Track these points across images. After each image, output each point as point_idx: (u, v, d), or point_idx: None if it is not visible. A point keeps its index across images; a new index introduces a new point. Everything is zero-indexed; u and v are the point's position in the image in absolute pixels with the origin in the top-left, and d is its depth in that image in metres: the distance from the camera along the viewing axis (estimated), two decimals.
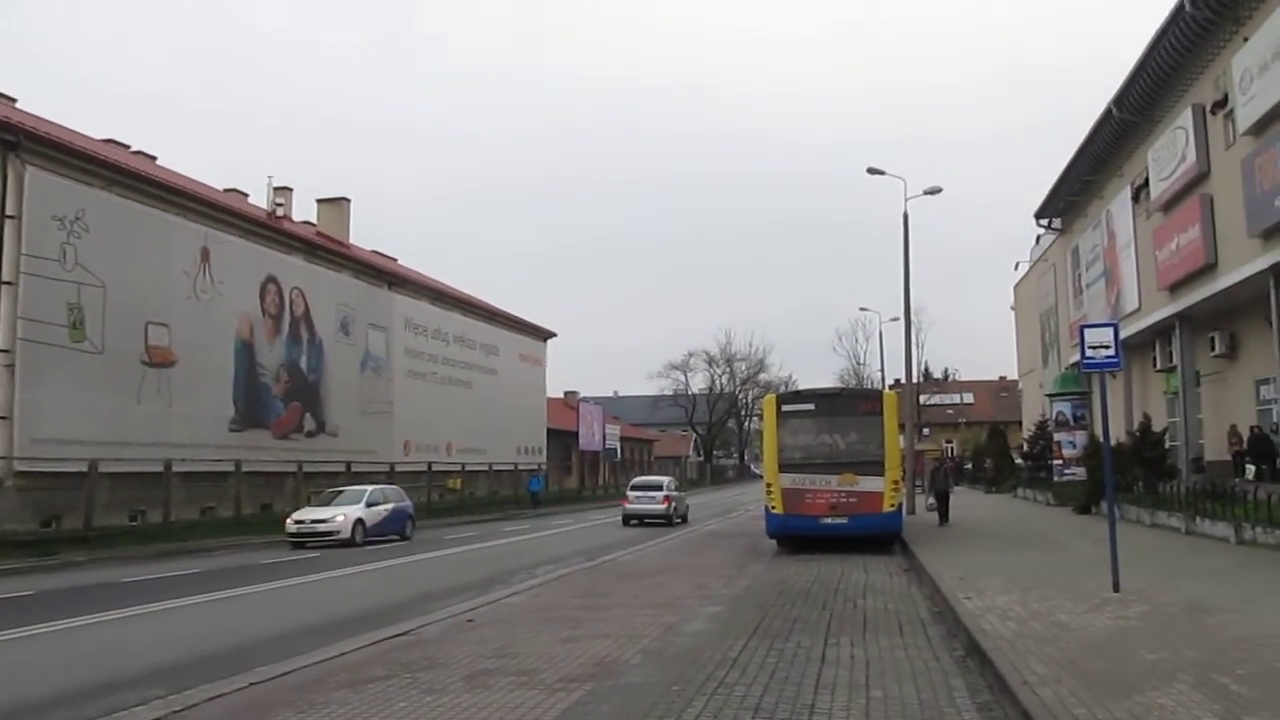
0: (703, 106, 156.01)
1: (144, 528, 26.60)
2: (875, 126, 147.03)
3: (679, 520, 34.38)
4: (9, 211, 24.33)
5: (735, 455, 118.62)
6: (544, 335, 63.04)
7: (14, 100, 28.86)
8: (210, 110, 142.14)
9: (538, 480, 50.70)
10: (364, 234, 65.65)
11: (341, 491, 27.78)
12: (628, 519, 33.97)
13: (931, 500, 27.26)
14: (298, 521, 25.81)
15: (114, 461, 26.09)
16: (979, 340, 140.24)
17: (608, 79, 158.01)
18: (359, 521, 25.82)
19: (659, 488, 35.52)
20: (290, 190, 39.89)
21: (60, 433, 25.10)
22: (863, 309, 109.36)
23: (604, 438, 73.58)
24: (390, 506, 27.86)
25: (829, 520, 19.45)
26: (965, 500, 37.41)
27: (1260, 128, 20.87)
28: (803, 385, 64.30)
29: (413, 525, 28.82)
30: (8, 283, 24.19)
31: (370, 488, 28.27)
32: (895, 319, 42.13)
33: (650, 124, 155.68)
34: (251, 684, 8.39)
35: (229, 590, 16.24)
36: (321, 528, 25.30)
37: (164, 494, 27.23)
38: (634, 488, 36.07)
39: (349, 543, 24.91)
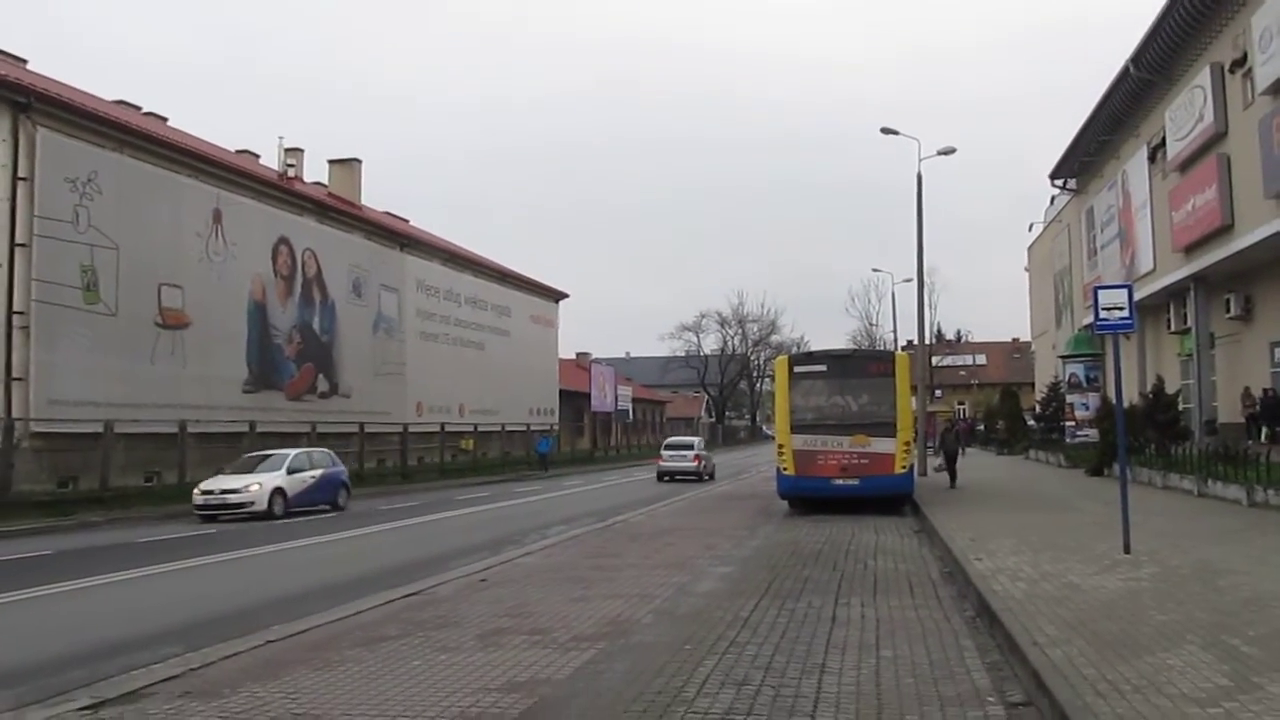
0: (715, 68, 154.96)
1: (159, 488, 26.83)
2: (888, 88, 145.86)
3: (708, 477, 37.22)
4: (21, 174, 24.35)
5: (747, 417, 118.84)
6: (556, 296, 62.98)
7: (24, 61, 28.81)
8: (221, 71, 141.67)
9: (546, 441, 50.08)
10: (375, 195, 65.57)
11: (268, 456, 24.58)
12: (662, 475, 36.98)
13: (940, 462, 26.81)
14: (205, 492, 22.65)
15: (129, 423, 26.27)
16: (992, 302, 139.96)
17: (618, 40, 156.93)
18: (278, 491, 22.85)
19: (690, 447, 39.03)
20: (301, 151, 39.84)
21: (76, 394, 25.27)
22: (875, 270, 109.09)
23: (616, 399, 73.68)
24: (318, 473, 24.91)
25: (840, 482, 19.49)
26: (977, 462, 37.44)
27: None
28: (815, 347, 64.42)
29: (347, 494, 25.98)
30: (21, 245, 24.26)
31: (294, 452, 25.15)
32: (908, 280, 41.96)
33: (662, 86, 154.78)
34: (268, 642, 8.48)
35: (243, 550, 16.39)
36: (232, 499, 22.28)
37: (179, 455, 27.43)
38: (667, 447, 39.67)
39: (266, 515, 22.09)
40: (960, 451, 26.61)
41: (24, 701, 7.05)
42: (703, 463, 37.51)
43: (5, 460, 22.33)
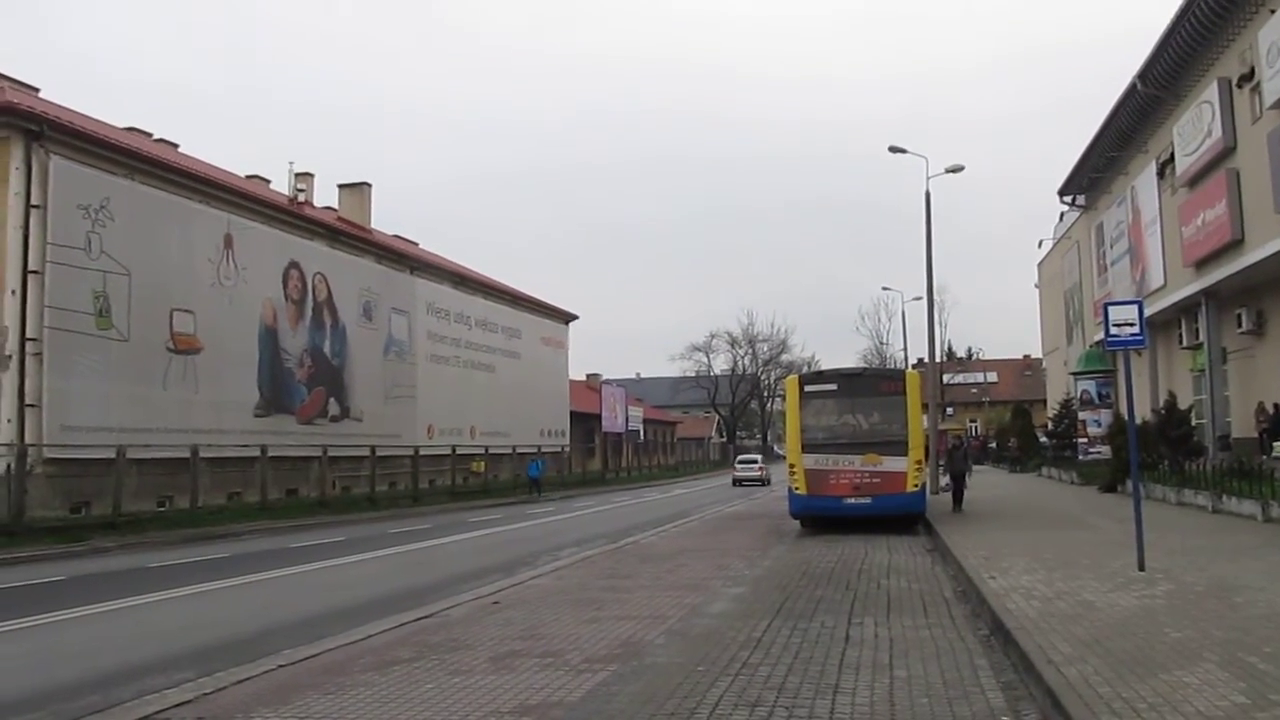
0: (722, 88, 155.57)
1: (172, 513, 26.84)
2: (896, 105, 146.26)
3: (767, 482, 49.89)
4: (34, 201, 24.50)
5: (758, 436, 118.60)
6: (566, 318, 63.02)
7: (37, 90, 29.03)
8: (231, 97, 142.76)
9: (537, 464, 46.08)
10: (385, 219, 65.94)
11: None
12: (736, 481, 51.77)
13: (947, 481, 25.26)
14: None
15: (141, 448, 26.31)
16: (1003, 319, 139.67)
17: (626, 61, 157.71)
18: None
19: (755, 462, 55.06)
20: (311, 176, 40.00)
21: (88, 420, 25.34)
22: (885, 288, 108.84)
23: (627, 420, 73.67)
24: None
25: (852, 501, 19.44)
26: (990, 480, 37.34)
27: None
28: (825, 366, 64.42)
29: None
30: (35, 272, 24.38)
31: None
32: (918, 298, 42.18)
33: (671, 106, 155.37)
34: (280, 666, 8.49)
35: (256, 574, 16.38)
36: None
37: (191, 480, 27.44)
38: (740, 462, 56.36)
39: None
40: (968, 470, 24.81)
41: None
42: (764, 472, 52.34)
43: (19, 486, 22.35)
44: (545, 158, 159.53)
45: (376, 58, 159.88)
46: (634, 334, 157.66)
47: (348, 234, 40.20)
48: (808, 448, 19.98)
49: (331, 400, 37.05)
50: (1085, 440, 34.62)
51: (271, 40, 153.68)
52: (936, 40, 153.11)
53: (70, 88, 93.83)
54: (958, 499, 23.56)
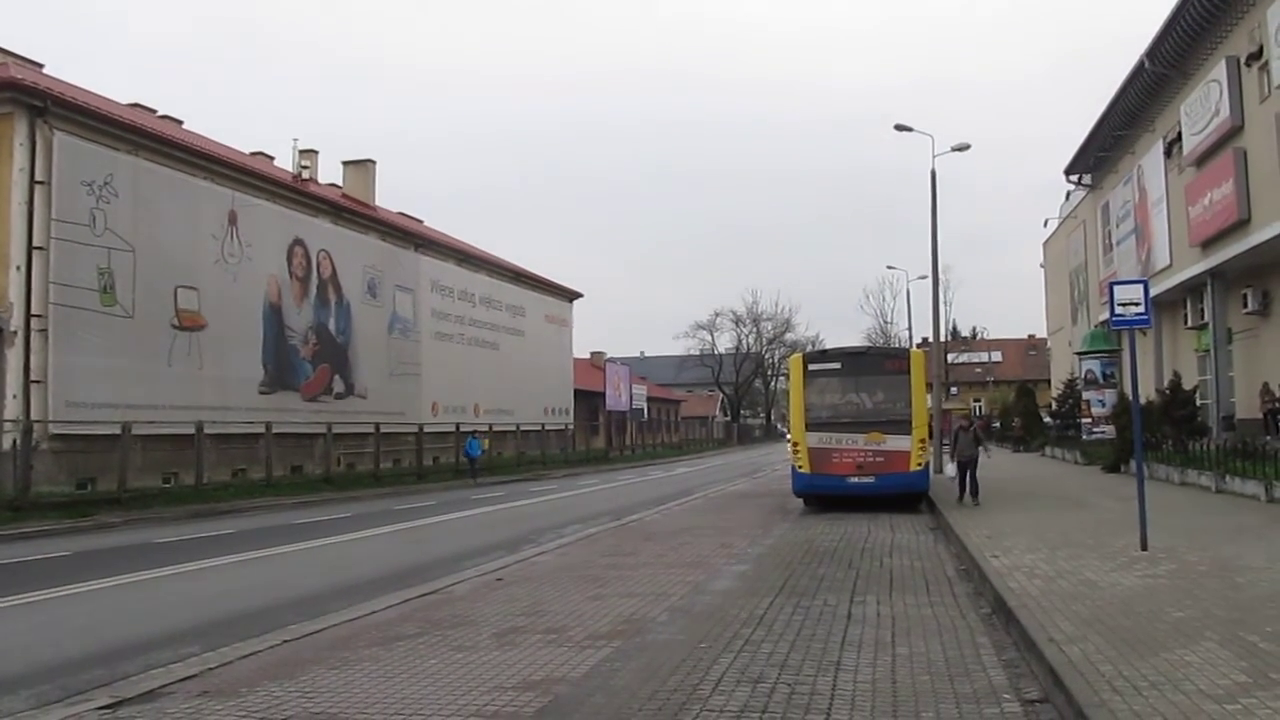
0: (731, 67, 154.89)
1: (177, 489, 26.93)
2: (907, 83, 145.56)
3: None
4: (39, 177, 24.51)
5: (762, 415, 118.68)
6: (570, 296, 63.00)
7: (41, 66, 28.98)
8: (235, 74, 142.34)
9: (475, 442, 39.78)
10: (389, 196, 65.88)
11: None
12: None
13: (953, 470, 21.33)
14: None
15: (147, 424, 26.38)
16: (1008, 298, 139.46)
17: (621, 31, 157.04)
18: None
19: None
20: (316, 153, 39.91)
21: (93, 396, 25.41)
22: (890, 267, 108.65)
23: (631, 398, 73.68)
24: None
25: (856, 479, 19.45)
26: (993, 460, 37.05)
27: None
28: (829, 344, 64.50)
29: None
30: (39, 248, 24.42)
31: None
32: (923, 277, 41.85)
33: (677, 81, 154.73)
34: (285, 641, 8.54)
35: (261, 550, 16.43)
36: None
37: (196, 456, 27.50)
38: None
39: None
40: (984, 452, 21.48)
41: (45, 701, 7.12)
42: None
43: (24, 462, 22.43)
44: (551, 131, 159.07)
45: (380, 36, 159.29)
46: (638, 313, 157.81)
47: (352, 211, 40.17)
48: (811, 426, 19.97)
49: (336, 377, 37.12)
50: (1089, 420, 34.63)
51: (275, 15, 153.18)
52: (946, 11, 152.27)
53: (74, 64, 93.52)
54: (966, 488, 19.86)
